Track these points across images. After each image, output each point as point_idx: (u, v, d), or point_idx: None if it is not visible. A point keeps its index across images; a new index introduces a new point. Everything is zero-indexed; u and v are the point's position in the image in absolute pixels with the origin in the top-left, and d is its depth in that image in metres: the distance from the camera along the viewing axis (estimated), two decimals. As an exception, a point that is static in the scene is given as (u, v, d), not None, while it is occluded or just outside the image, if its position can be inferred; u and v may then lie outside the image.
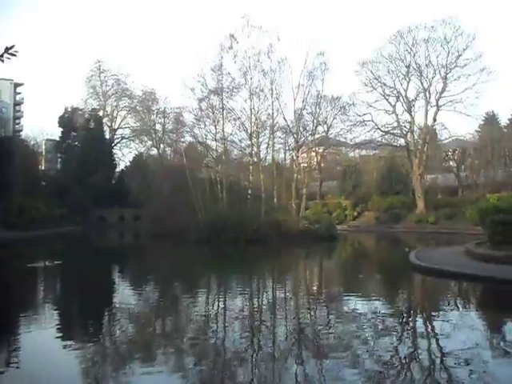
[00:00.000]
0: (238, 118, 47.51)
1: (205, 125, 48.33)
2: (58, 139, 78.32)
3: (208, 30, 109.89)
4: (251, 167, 46.26)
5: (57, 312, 13.58)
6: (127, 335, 10.74)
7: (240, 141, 49.30)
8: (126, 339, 10.41)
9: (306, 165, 59.79)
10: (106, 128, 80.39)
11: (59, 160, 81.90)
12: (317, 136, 59.68)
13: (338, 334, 10.46)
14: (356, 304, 14.05)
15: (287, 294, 16.97)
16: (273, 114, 48.45)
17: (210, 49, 47.33)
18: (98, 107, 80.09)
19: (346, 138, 65.38)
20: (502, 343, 9.89)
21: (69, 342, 9.92)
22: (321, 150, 64.57)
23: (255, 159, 47.64)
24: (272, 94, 47.86)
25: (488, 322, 12.30)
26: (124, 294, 16.62)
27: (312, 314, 13.24)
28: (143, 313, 13.44)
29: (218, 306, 14.56)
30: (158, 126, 73.67)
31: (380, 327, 10.95)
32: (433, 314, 13.13)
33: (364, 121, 61.83)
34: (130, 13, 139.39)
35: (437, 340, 10.09)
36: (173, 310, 13.80)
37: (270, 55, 46.86)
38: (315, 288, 18.71)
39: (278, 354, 9.04)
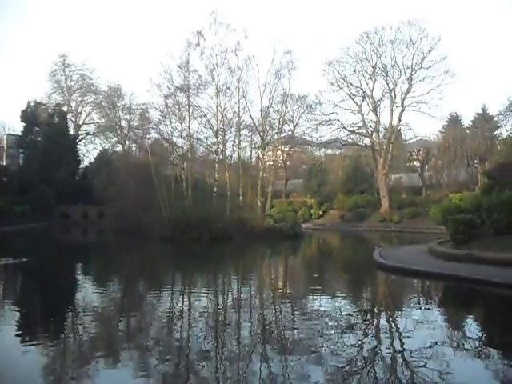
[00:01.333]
0: (205, 116, 47.38)
1: (171, 122, 48.11)
2: (20, 134, 76.79)
3: (175, 27, 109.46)
4: (217, 165, 46.19)
5: (14, 310, 13.27)
6: (87, 334, 10.53)
7: (206, 138, 49.17)
8: (87, 338, 10.22)
9: (271, 163, 59.99)
10: (70, 124, 79.01)
11: (21, 155, 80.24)
12: (283, 134, 59.97)
13: (302, 331, 10.43)
14: (320, 302, 14.06)
15: (252, 292, 16.88)
16: (239, 111, 48.51)
17: (177, 45, 47.25)
18: (63, 102, 78.68)
19: (311, 137, 65.76)
20: (462, 340, 10.02)
21: (27, 341, 9.72)
22: (287, 149, 64.74)
23: (221, 157, 47.59)
24: (239, 91, 47.92)
25: (449, 320, 12.45)
26: (84, 292, 16.32)
27: (276, 312, 13.20)
28: (104, 311, 13.19)
29: (182, 304, 14.44)
30: (123, 123, 73.01)
31: (344, 325, 10.96)
32: (396, 311, 13.25)
33: (330, 120, 62.11)
34: (95, 6, 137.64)
35: (400, 337, 10.15)
36: (135, 309, 13.60)
37: (237, 53, 46.92)
38: (280, 286, 18.69)
39: (242, 353, 8.98)
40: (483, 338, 10.40)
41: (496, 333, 11.08)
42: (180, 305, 14.24)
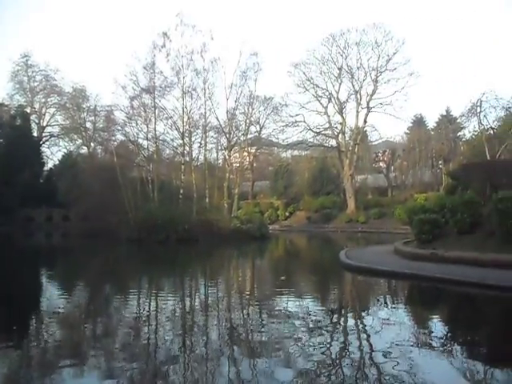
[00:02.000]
0: (170, 117, 47.19)
1: (136, 123, 47.82)
2: (-20, 135, 75.14)
3: (140, 28, 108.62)
4: (183, 166, 45.94)
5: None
6: (51, 340, 10.31)
7: (172, 140, 48.99)
8: (50, 344, 10.01)
9: (238, 165, 59.91)
10: (33, 125, 77.68)
11: (-18, 157, 78.51)
12: (249, 136, 60.01)
13: (269, 333, 10.41)
14: (287, 303, 14.04)
15: (219, 294, 16.77)
16: (205, 113, 48.40)
17: (143, 47, 46.94)
18: (25, 103, 77.12)
19: (278, 139, 65.94)
20: (428, 338, 10.12)
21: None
22: (253, 150, 64.83)
23: (187, 159, 47.41)
24: (205, 93, 47.84)
25: (415, 318, 12.59)
26: (47, 298, 15.97)
27: (243, 313, 13.17)
28: (67, 317, 12.92)
29: (149, 307, 14.26)
30: (88, 124, 72.11)
31: (311, 326, 10.96)
32: (362, 311, 13.29)
33: (296, 121, 62.50)
34: (59, 6, 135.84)
35: (367, 336, 10.21)
36: (99, 314, 13.36)
37: (203, 54, 46.85)
38: (247, 288, 18.63)
39: (210, 355, 8.90)
40: (448, 336, 10.53)
41: (460, 330, 11.24)
42: (146, 309, 14.02)
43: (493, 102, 51.63)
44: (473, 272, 16.02)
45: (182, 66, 46.01)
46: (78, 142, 75.69)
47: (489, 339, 10.37)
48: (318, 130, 64.39)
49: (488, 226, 19.82)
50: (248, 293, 17.00)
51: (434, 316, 13.00)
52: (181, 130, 46.77)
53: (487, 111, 53.82)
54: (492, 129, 53.80)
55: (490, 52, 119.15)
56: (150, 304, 14.80)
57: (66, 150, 78.40)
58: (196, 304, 14.76)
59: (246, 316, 12.78)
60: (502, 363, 8.39)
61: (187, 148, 47.53)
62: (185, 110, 46.38)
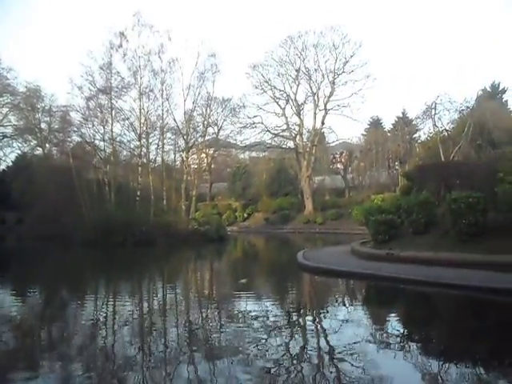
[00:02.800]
0: (128, 119, 46.60)
1: (93, 124, 47.05)
2: None
3: (96, 27, 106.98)
4: (140, 168, 45.47)
5: None
6: (4, 346, 10.11)
7: (129, 141, 48.28)
8: (4, 350, 9.81)
9: (196, 166, 59.66)
10: (-15, 126, 75.89)
11: None
12: (207, 137, 59.85)
13: (229, 335, 10.39)
14: (245, 305, 14.05)
15: (177, 296, 16.69)
16: (163, 114, 48.10)
17: (99, 46, 46.31)
18: (-24, 104, 75.48)
19: (236, 140, 65.89)
20: (384, 336, 10.27)
21: None
22: (211, 152, 64.59)
23: (144, 160, 46.90)
24: (162, 94, 47.55)
25: (372, 317, 12.77)
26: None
27: (202, 316, 13.10)
28: (21, 322, 12.63)
29: (106, 311, 14.07)
30: (43, 125, 70.34)
31: (270, 327, 10.98)
32: (320, 311, 13.39)
33: (254, 123, 62.60)
34: (12, 3, 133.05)
35: (325, 336, 10.29)
36: (55, 319, 13.10)
37: (160, 55, 46.56)
38: (205, 290, 18.58)
39: (168, 358, 8.83)
40: (405, 333, 10.71)
41: (416, 328, 11.43)
42: (103, 313, 13.81)
43: (447, 104, 52.64)
44: (428, 271, 16.31)
45: (140, 67, 45.67)
46: (32, 143, 73.85)
47: (443, 336, 10.58)
48: (275, 132, 64.59)
49: (442, 226, 20.21)
50: (206, 295, 16.95)
51: (391, 314, 13.24)
52: (138, 132, 46.25)
53: (441, 114, 54.81)
54: (446, 131, 54.78)
55: (445, 55, 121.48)
56: (106, 309, 14.56)
57: (19, 152, 76.68)
58: (154, 308, 14.63)
59: (204, 318, 12.72)
60: (456, 359, 8.57)
61: (144, 149, 47.08)
62: (142, 111, 45.96)
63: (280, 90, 63.46)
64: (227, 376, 7.71)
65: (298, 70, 62.46)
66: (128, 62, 45.37)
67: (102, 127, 46.18)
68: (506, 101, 69.79)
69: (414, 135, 69.84)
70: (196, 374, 7.87)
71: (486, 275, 14.94)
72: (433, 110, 53.06)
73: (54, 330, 11.63)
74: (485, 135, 49.43)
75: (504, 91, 71.76)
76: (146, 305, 15.11)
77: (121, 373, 8.11)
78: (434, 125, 54.40)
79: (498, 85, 72.00)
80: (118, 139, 47.10)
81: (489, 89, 69.92)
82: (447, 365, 8.29)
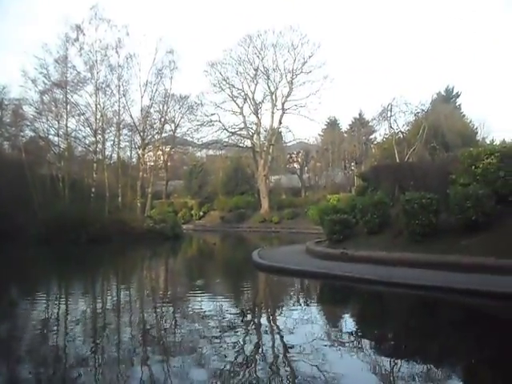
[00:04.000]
0: (83, 114, 45.71)
1: (47, 119, 45.92)
2: None
3: (51, 18, 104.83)
4: (95, 165, 44.77)
5: None
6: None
7: (84, 137, 47.21)
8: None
9: (152, 163, 59.17)
10: None
11: None
12: (164, 135, 59.39)
13: (184, 334, 10.34)
14: (200, 304, 13.97)
15: (131, 295, 16.49)
16: (119, 110, 47.57)
17: (54, 39, 45.32)
18: None
19: (193, 138, 65.57)
20: (338, 334, 10.42)
21: None
22: (168, 149, 64.17)
23: (100, 157, 46.20)
24: (119, 90, 47.02)
25: (326, 316, 12.91)
26: None
27: (157, 315, 12.98)
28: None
29: (58, 311, 13.73)
30: (-6, 119, 69.08)
31: (225, 326, 10.95)
32: (275, 310, 13.44)
33: (211, 121, 62.40)
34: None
35: (280, 335, 10.33)
36: (6, 317, 12.79)
37: (118, 50, 45.99)
38: (159, 289, 18.41)
39: (122, 358, 8.71)
40: (357, 332, 10.83)
41: (369, 326, 11.58)
42: (55, 312, 13.43)
43: (402, 107, 53.41)
44: (381, 271, 16.53)
45: (96, 61, 44.91)
46: (-18, 138, 72.27)
47: (396, 334, 10.74)
48: (233, 130, 64.52)
49: (396, 226, 20.49)
50: (160, 294, 16.79)
51: (345, 313, 13.38)
52: (93, 127, 45.45)
53: (397, 116, 55.60)
54: (401, 133, 55.59)
55: (401, 59, 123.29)
56: (56, 309, 14.15)
57: (-32, 146, 74.77)
58: (107, 307, 14.40)
59: (158, 317, 12.60)
60: (408, 356, 8.70)
61: (100, 146, 46.27)
62: (98, 106, 45.21)
63: (238, 89, 63.48)
64: (180, 375, 7.66)
65: (256, 69, 62.56)
66: (84, 56, 44.57)
67: (56, 122, 45.15)
68: (460, 105, 71.36)
69: (370, 136, 70.77)
70: (149, 373, 7.76)
71: (437, 275, 15.20)
72: (389, 112, 53.79)
73: (2, 330, 11.36)
74: (439, 138, 50.37)
75: (458, 95, 73.32)
76: (98, 304, 14.85)
77: (72, 374, 7.96)
78: (390, 126, 55.17)
79: (452, 89, 73.47)
80: (72, 135, 46.11)
81: (443, 93, 71.25)
82: (399, 362, 8.41)
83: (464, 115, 67.33)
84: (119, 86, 46.99)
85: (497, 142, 46.46)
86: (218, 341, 9.61)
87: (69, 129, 45.12)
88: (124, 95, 47.98)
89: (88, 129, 46.30)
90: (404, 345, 9.88)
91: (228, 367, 7.96)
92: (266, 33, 61.07)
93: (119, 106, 47.46)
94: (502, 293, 12.77)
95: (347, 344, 9.58)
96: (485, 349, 9.30)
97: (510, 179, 18.05)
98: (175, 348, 9.32)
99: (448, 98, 70.19)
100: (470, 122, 64.07)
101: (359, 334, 10.70)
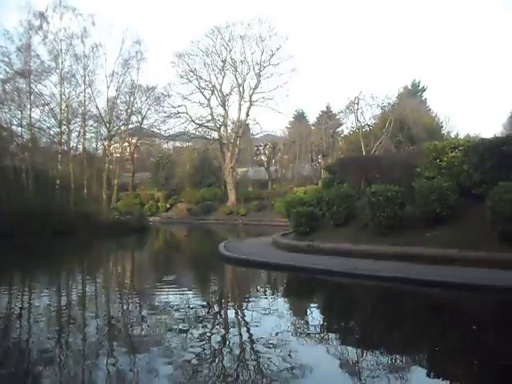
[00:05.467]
0: (47, 104, 44.89)
1: (9, 109, 44.95)
2: None
3: (13, 5, 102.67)
4: (60, 156, 44.10)
5: None
6: None
7: (49, 128, 46.44)
8: None
9: (118, 155, 58.69)
10: None
11: None
12: (130, 126, 59.13)
13: (150, 327, 10.26)
14: (166, 296, 13.90)
15: (97, 288, 16.29)
16: (85, 101, 47.09)
17: (17, 26, 44.34)
18: None
19: (160, 129, 65.37)
20: (305, 326, 10.53)
21: None
22: (134, 141, 63.66)
23: (65, 148, 45.53)
24: (84, 80, 46.58)
25: (292, 308, 12.97)
26: None
27: (123, 308, 12.89)
28: None
29: (21, 304, 13.52)
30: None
31: (191, 318, 10.90)
32: (241, 302, 13.45)
33: (178, 112, 62.19)
34: None
35: (246, 327, 10.33)
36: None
37: (83, 40, 45.49)
38: (125, 282, 18.27)
39: (89, 352, 8.60)
40: (324, 323, 10.92)
41: (335, 318, 11.67)
42: (17, 307, 13.19)
43: (369, 100, 53.94)
44: (347, 262, 16.65)
45: (61, 51, 44.32)
46: None
47: (361, 325, 10.84)
48: (200, 122, 64.33)
49: (362, 219, 20.65)
50: (126, 287, 16.68)
51: (311, 305, 13.49)
52: (58, 118, 44.71)
53: (364, 109, 56.26)
54: (368, 126, 56.18)
55: (368, 52, 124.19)
56: (20, 302, 13.94)
57: None
58: (72, 300, 14.16)
59: (124, 310, 12.51)
60: (373, 347, 8.79)
61: (65, 137, 45.60)
62: (63, 96, 44.63)
63: (205, 81, 63.32)
64: (147, 368, 7.59)
65: (224, 61, 62.40)
66: (49, 44, 43.84)
67: (19, 112, 44.17)
68: (426, 99, 72.35)
69: (337, 129, 71.26)
70: (113, 368, 7.68)
71: (402, 266, 15.37)
72: (355, 105, 54.41)
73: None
74: (405, 131, 51.03)
75: (424, 90, 74.27)
76: (63, 297, 14.66)
77: (36, 369, 7.83)
78: (357, 120, 55.77)
79: (419, 83, 74.40)
80: (36, 125, 45.22)
81: (409, 87, 72.03)
82: (365, 352, 8.51)
83: (430, 109, 68.31)
84: (85, 76, 46.58)
85: (461, 136, 47.36)
86: (184, 333, 9.57)
87: (32, 119, 44.17)
88: (90, 85, 47.60)
89: (53, 119, 45.50)
90: (369, 335, 9.96)
91: (194, 360, 7.92)
92: (234, 24, 61.10)
93: (85, 97, 47.05)
94: (464, 284, 12.96)
95: (313, 335, 9.63)
96: (446, 338, 9.48)
97: (473, 172, 18.29)
98: (140, 341, 9.23)
99: (414, 92, 71.04)
100: (436, 116, 65.08)
101: (325, 325, 10.77)
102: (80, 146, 48.96)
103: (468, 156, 18.76)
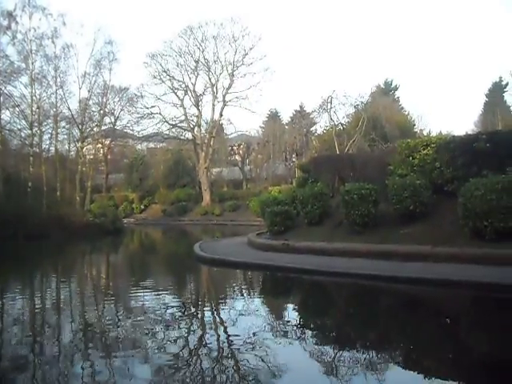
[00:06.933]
0: (18, 106, 44.30)
1: (-22, 111, 44.55)
2: None
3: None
4: (32, 158, 43.50)
5: None
6: None
7: (20, 130, 45.93)
8: None
9: (91, 157, 58.22)
10: None
11: None
12: (103, 127, 58.67)
13: (127, 329, 10.18)
14: (143, 298, 13.80)
15: (72, 291, 16.10)
16: (56, 102, 46.56)
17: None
18: None
19: (133, 130, 65.11)
20: (281, 325, 10.50)
21: None
22: (107, 142, 63.26)
23: (37, 150, 44.97)
24: (56, 81, 46.10)
25: (269, 307, 12.96)
26: None
27: (98, 311, 12.73)
28: None
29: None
30: None
31: (168, 320, 10.83)
32: (217, 302, 13.44)
33: (152, 113, 61.97)
34: None
35: (224, 328, 10.31)
36: None
37: (54, 40, 44.93)
38: (99, 285, 18.08)
39: (64, 355, 8.48)
40: (300, 322, 10.95)
41: (310, 316, 11.68)
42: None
43: (342, 99, 54.11)
44: (322, 261, 16.70)
45: (31, 51, 43.64)
46: None
47: (337, 322, 10.90)
48: (173, 123, 64.15)
49: (336, 217, 20.76)
50: (101, 290, 16.51)
51: (287, 304, 13.49)
52: (29, 120, 44.12)
53: (337, 108, 56.45)
54: (342, 125, 56.37)
55: (342, 51, 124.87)
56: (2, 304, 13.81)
57: None
58: (46, 304, 13.98)
59: (98, 314, 12.36)
60: (349, 344, 8.84)
61: (37, 139, 44.99)
62: (34, 98, 44.00)
63: (179, 81, 63.13)
64: (124, 371, 7.52)
65: (197, 61, 62.26)
66: (18, 45, 43.11)
67: (-12, 114, 43.76)
68: (398, 97, 73.08)
69: (311, 128, 71.42)
70: (88, 371, 7.58)
71: (376, 264, 15.49)
72: (329, 104, 54.46)
73: None
74: (378, 129, 51.33)
75: (396, 88, 75.04)
76: (37, 302, 14.48)
77: (11, 374, 7.70)
78: (330, 118, 55.87)
79: (391, 82, 75.14)
80: (7, 127, 44.72)
81: (382, 85, 72.60)
82: (342, 350, 8.53)
83: (402, 108, 68.96)
84: (56, 78, 46.11)
85: (433, 134, 47.82)
86: (160, 335, 9.51)
87: (3, 121, 43.65)
88: (61, 87, 47.15)
89: (23, 121, 44.99)
90: (344, 332, 10.01)
91: (170, 361, 7.88)
92: (206, 24, 60.98)
93: (56, 98, 46.58)
94: (437, 279, 13.08)
95: (289, 334, 9.63)
96: (421, 334, 9.55)
97: (445, 169, 18.46)
98: (115, 344, 9.15)
99: (387, 91, 71.70)
100: (408, 114, 65.65)
101: (301, 323, 10.79)
102: (52, 148, 48.59)
103: (440, 153, 18.92)
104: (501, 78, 73.52)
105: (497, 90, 73.78)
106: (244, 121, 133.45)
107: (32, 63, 43.80)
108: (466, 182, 16.05)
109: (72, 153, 55.42)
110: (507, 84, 64.99)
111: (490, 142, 17.46)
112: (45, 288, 17.43)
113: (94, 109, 55.25)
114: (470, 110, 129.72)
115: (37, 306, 13.60)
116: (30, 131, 44.46)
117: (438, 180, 18.65)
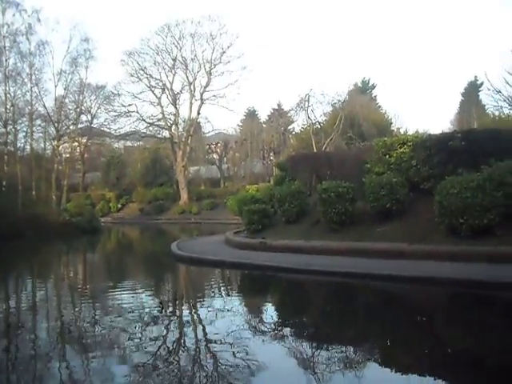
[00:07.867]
0: (-8, 104, 43.94)
1: (-48, 109, 43.96)
2: None
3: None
4: (6, 157, 42.97)
5: None
6: None
7: (-7, 128, 45.59)
8: None
9: (67, 155, 57.71)
10: None
11: None
12: (80, 126, 58.26)
13: (104, 330, 10.06)
14: (120, 298, 13.69)
15: (48, 292, 15.94)
16: (32, 100, 46.05)
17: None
18: None
19: (110, 129, 64.70)
20: (260, 323, 10.54)
21: None
22: (84, 140, 62.75)
23: (11, 148, 44.45)
24: (31, 78, 45.59)
25: (247, 305, 12.99)
26: None
27: (75, 311, 12.61)
28: None
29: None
30: None
31: (146, 319, 10.75)
32: (196, 301, 13.42)
33: (129, 111, 61.60)
34: None
35: (202, 327, 10.28)
36: None
37: (28, 37, 44.41)
38: (76, 285, 17.85)
39: (41, 356, 8.37)
40: (278, 320, 10.97)
41: (289, 314, 11.70)
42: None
43: (319, 97, 54.14)
44: (299, 259, 16.74)
45: (5, 48, 43.08)
46: None
47: (315, 320, 10.93)
48: (151, 121, 63.82)
49: (314, 215, 20.81)
50: (77, 290, 16.31)
51: (264, 302, 13.51)
52: (3, 118, 43.55)
53: (315, 106, 56.46)
54: (319, 123, 56.42)
55: (319, 49, 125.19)
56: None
57: None
58: (21, 305, 13.77)
59: (77, 313, 12.24)
60: (328, 342, 8.88)
61: (11, 137, 44.48)
62: (8, 96, 43.48)
63: (156, 79, 62.79)
64: (102, 371, 7.45)
65: (174, 59, 61.96)
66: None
67: (-38, 112, 43.18)
68: (376, 96, 73.43)
69: (289, 127, 71.42)
70: (66, 372, 7.48)
71: (353, 261, 15.56)
72: (306, 103, 54.41)
73: None
74: (355, 128, 51.44)
75: (373, 87, 75.43)
76: (12, 303, 14.23)
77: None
78: (308, 117, 55.83)
79: (368, 81, 75.48)
80: (-20, 125, 44.26)
81: (359, 84, 72.88)
82: (320, 348, 8.57)
83: (379, 106, 69.18)
84: (31, 75, 45.66)
85: (410, 133, 48.11)
86: (138, 334, 9.44)
87: (-25, 119, 43.14)
88: (36, 84, 46.73)
89: (-3, 119, 44.42)
90: (323, 330, 10.03)
91: (148, 361, 7.81)
92: (184, 22, 60.62)
93: (31, 96, 46.14)
94: (413, 277, 13.19)
95: (267, 332, 9.64)
96: (398, 330, 9.62)
97: (421, 168, 18.58)
98: (92, 344, 9.06)
99: (364, 90, 71.97)
100: (385, 112, 65.89)
101: (278, 321, 10.80)
102: (27, 147, 48.08)
103: (416, 152, 19.05)
104: (476, 77, 74.13)
105: (472, 89, 74.33)
106: (222, 119, 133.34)
107: (6, 60, 43.37)
108: (441, 180, 16.22)
109: (48, 151, 54.92)
110: (482, 83, 65.41)
111: (465, 141, 17.64)
112: (19, 290, 17.14)
113: (70, 107, 54.97)
114: (447, 109, 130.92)
115: (10, 307, 13.35)
116: (4, 129, 43.87)
117: (414, 178, 18.78)
